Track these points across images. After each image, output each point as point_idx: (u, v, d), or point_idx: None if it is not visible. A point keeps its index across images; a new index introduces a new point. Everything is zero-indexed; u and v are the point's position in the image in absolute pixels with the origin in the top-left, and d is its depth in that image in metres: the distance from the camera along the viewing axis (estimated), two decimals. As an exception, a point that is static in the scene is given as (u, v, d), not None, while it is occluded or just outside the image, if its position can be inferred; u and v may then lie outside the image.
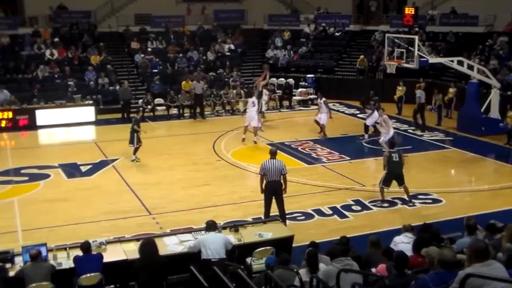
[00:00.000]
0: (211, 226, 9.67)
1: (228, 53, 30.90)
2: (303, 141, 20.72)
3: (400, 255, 7.24)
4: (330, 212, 13.98)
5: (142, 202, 14.64)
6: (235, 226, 10.64)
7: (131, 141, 18.05)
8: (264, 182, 12.48)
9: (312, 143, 20.53)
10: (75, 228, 12.93)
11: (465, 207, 14.00)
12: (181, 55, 29.42)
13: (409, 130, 22.45)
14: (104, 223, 13.24)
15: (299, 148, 19.82)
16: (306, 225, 13.19)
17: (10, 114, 23.18)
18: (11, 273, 8.78)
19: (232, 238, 10.03)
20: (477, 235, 8.59)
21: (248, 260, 9.69)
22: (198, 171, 17.31)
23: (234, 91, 26.51)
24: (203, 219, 12.92)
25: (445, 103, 23.96)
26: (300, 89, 27.72)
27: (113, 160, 18.29)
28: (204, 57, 29.86)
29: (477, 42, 27.56)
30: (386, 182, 14.45)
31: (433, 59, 22.44)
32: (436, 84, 25.69)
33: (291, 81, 28.42)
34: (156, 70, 28.17)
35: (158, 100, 25.54)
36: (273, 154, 12.70)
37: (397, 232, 9.68)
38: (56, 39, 28.14)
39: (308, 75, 28.95)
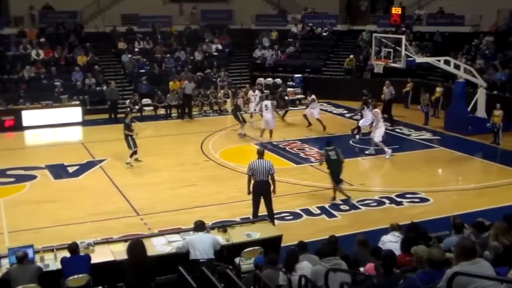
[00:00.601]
0: (199, 226, 9.63)
1: (216, 53, 30.87)
2: (291, 141, 20.73)
3: (388, 254, 7.25)
4: (318, 211, 14.00)
5: (130, 203, 14.58)
6: (223, 226, 10.63)
7: (129, 146, 17.67)
8: (252, 182, 12.48)
9: (300, 142, 20.55)
10: (62, 229, 12.86)
11: (452, 206, 14.07)
12: (168, 55, 29.34)
13: (396, 130, 22.53)
14: (92, 224, 13.17)
15: (287, 148, 19.83)
16: (294, 225, 13.20)
17: (-4, 115, 22.99)
18: (-3, 276, 8.71)
19: (221, 238, 10.01)
20: (465, 234, 8.63)
21: (237, 260, 9.69)
22: (186, 172, 17.27)
23: (222, 91, 26.49)
24: (191, 220, 12.89)
25: (432, 103, 24.11)
26: (287, 89, 27.72)
27: (101, 161, 18.20)
28: (191, 57, 29.81)
29: (463, 42, 27.72)
30: (336, 180, 14.51)
31: (420, 59, 22.54)
32: (423, 83, 25.82)
33: (278, 81, 28.45)
34: (143, 71, 28.08)
35: (146, 101, 25.46)
36: (260, 154, 12.71)
37: (385, 231, 9.71)
38: (42, 40, 27.96)
39: (296, 75, 28.99)
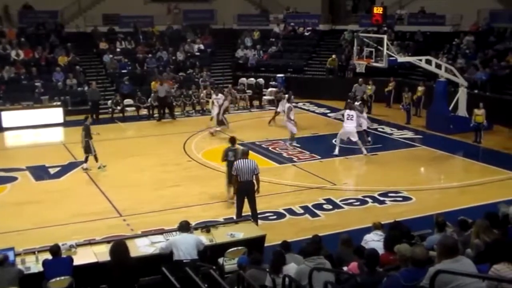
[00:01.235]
0: (184, 226, 9.57)
1: (198, 53, 30.81)
2: (274, 141, 20.74)
3: (371, 252, 7.27)
4: (302, 211, 14.01)
5: (113, 204, 14.48)
6: (206, 227, 10.59)
7: (88, 150, 17.20)
8: (237, 182, 12.46)
9: (282, 142, 20.56)
10: (44, 231, 12.73)
11: (435, 204, 14.15)
12: (150, 55, 29.24)
13: (379, 129, 22.65)
14: (74, 226, 13.04)
15: (270, 148, 19.84)
16: (277, 224, 13.20)
17: (-25, 116, 22.72)
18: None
19: (204, 239, 9.97)
20: (447, 232, 8.69)
21: (220, 260, 9.66)
22: (169, 172, 17.21)
23: (204, 91, 26.41)
24: (175, 220, 12.84)
25: (414, 102, 24.28)
26: (270, 89, 27.73)
27: (82, 162, 18.03)
28: (173, 58, 29.72)
29: (444, 41, 27.96)
30: (229, 181, 14.11)
31: (401, 58, 22.71)
32: (405, 83, 25.98)
33: (261, 80, 28.45)
34: (125, 71, 27.93)
35: (128, 101, 25.31)
36: (245, 154, 12.72)
37: (368, 230, 9.74)
38: (22, 39, 27.68)
39: (278, 75, 28.99)
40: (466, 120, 21.40)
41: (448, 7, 28.81)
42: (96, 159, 17.37)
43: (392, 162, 18.60)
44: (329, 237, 11.23)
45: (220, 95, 22.90)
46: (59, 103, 24.29)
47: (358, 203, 14.62)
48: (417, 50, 27.08)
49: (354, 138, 18.69)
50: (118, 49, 29.23)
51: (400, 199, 14.91)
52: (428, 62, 22.14)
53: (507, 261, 5.37)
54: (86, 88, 25.76)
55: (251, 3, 35.82)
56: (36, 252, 9.45)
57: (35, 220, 13.36)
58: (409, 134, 21.90)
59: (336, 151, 18.81)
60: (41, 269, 8.83)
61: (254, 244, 10.05)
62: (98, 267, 9.05)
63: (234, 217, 12.40)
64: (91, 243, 10.20)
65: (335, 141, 19.02)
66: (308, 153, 19.13)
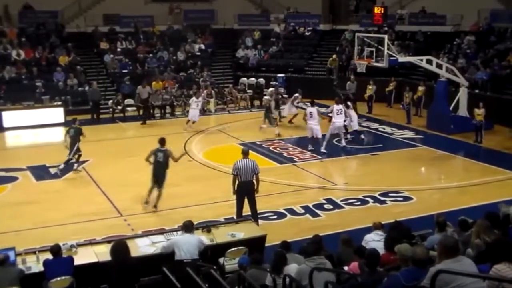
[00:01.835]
0: (188, 227, 9.53)
1: (198, 53, 30.79)
2: (275, 141, 20.74)
3: (372, 252, 7.28)
4: (302, 211, 14.01)
5: (113, 204, 14.49)
6: (207, 227, 10.60)
7: (72, 151, 16.95)
8: (237, 182, 12.46)
9: (283, 142, 20.56)
10: (45, 231, 12.74)
11: (435, 204, 14.15)
12: (151, 55, 29.23)
13: (379, 129, 22.64)
14: (75, 226, 13.05)
15: (270, 148, 19.84)
16: (278, 224, 13.20)
17: (-24, 116, 22.72)
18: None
19: (205, 239, 9.97)
20: (448, 232, 8.68)
21: (221, 260, 9.66)
22: (169, 172, 17.11)
23: (205, 91, 26.39)
24: (175, 220, 12.93)
25: (414, 102, 24.28)
26: (270, 89, 27.67)
27: (83, 162, 18.02)
28: (174, 57, 29.71)
29: (445, 41, 27.95)
30: (152, 182, 14.05)
31: (402, 58, 22.71)
32: (405, 83, 25.98)
33: (261, 80, 28.44)
34: (125, 71, 27.91)
35: (128, 101, 25.29)
36: (245, 154, 12.70)
37: (369, 230, 9.73)
38: (23, 39, 27.68)
39: (279, 75, 29.01)
40: (467, 120, 21.41)
41: (449, 7, 28.81)
42: (78, 160, 17.17)
43: (392, 162, 18.59)
44: (330, 237, 11.23)
45: (200, 98, 22.92)
46: (59, 103, 24.29)
47: (358, 203, 14.61)
48: (418, 50, 27.09)
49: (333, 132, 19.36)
50: (118, 49, 29.22)
51: (401, 199, 14.90)
52: (429, 62, 22.13)
53: (507, 261, 5.37)
54: (87, 88, 25.75)
55: (251, 3, 35.80)
56: (36, 252, 9.46)
57: (36, 220, 13.36)
58: (410, 134, 21.89)
59: (323, 148, 19.09)
60: (42, 269, 8.84)
61: (255, 244, 10.05)
62: (98, 267, 9.05)
63: (235, 217, 12.39)
64: (91, 243, 10.21)
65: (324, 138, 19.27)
66: (308, 153, 19.11)
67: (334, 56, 29.24)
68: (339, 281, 7.38)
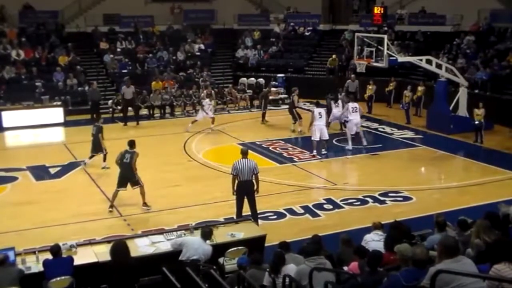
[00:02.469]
0: (207, 234, 9.49)
1: (198, 53, 30.79)
2: (274, 141, 20.74)
3: (374, 253, 7.29)
4: (302, 211, 14.01)
5: (113, 204, 14.45)
6: (207, 227, 10.58)
7: (100, 149, 17.28)
8: (237, 182, 12.46)
9: (283, 142, 20.57)
10: (44, 231, 12.74)
11: (435, 204, 14.14)
12: (150, 55, 29.23)
13: (379, 129, 22.64)
14: (74, 226, 13.05)
15: (270, 148, 19.83)
16: (278, 224, 13.19)
17: (-24, 116, 22.71)
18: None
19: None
20: (447, 232, 8.68)
21: (221, 260, 9.66)
22: (169, 172, 17.20)
23: (205, 91, 26.38)
24: (175, 220, 12.97)
25: (414, 102, 24.28)
26: (272, 89, 27.70)
27: (82, 162, 18.04)
28: (174, 57, 29.71)
29: (445, 41, 27.94)
30: (118, 184, 14.03)
31: (402, 58, 22.69)
32: (405, 83, 25.98)
33: (261, 80, 28.43)
34: (125, 71, 27.89)
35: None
36: (244, 154, 12.70)
37: (369, 230, 9.73)
38: (23, 39, 27.68)
39: (279, 75, 29.04)
40: (467, 120, 21.41)
41: (449, 7, 28.80)
42: (104, 158, 17.36)
43: (392, 162, 18.60)
44: (330, 237, 11.24)
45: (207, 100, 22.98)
46: (59, 103, 24.30)
47: (358, 203, 14.61)
48: (418, 50, 27.09)
49: (352, 131, 19.46)
50: (118, 49, 29.21)
51: (401, 199, 14.90)
52: (429, 62, 22.13)
53: (507, 261, 5.37)
54: (86, 88, 25.76)
55: (251, 3, 35.79)
56: (36, 252, 9.47)
57: (36, 220, 13.36)
58: (410, 134, 21.88)
59: (350, 146, 19.40)
60: (42, 269, 8.84)
61: (255, 244, 10.05)
62: (98, 267, 9.05)
63: (234, 217, 12.39)
64: (91, 243, 10.23)
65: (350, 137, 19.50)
66: (308, 153, 19.10)
67: (334, 56, 29.25)
68: (338, 281, 7.38)
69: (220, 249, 9.74)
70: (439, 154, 19.29)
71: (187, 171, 17.35)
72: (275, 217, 13.63)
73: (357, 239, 9.36)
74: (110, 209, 14.00)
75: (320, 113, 18.77)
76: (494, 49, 25.77)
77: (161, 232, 10.74)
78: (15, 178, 16.69)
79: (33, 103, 23.71)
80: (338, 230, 12.20)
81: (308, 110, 22.04)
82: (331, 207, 14.32)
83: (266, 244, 10.47)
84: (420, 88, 24.45)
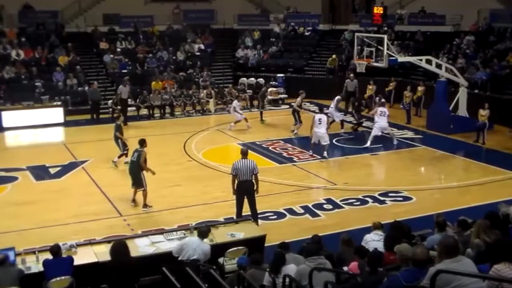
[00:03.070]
0: (204, 233, 9.47)
1: (198, 53, 30.78)
2: (274, 141, 20.74)
3: (375, 253, 7.30)
4: (302, 211, 14.01)
5: (113, 204, 14.48)
6: (207, 227, 10.58)
7: (119, 148, 17.49)
8: (236, 182, 12.46)
9: (283, 142, 20.57)
10: (44, 231, 12.73)
11: (435, 204, 14.14)
12: (150, 55, 29.23)
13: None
14: (74, 226, 13.05)
15: (270, 148, 19.83)
16: (278, 224, 13.20)
17: (-25, 116, 22.70)
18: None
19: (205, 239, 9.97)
20: (448, 232, 8.68)
21: (221, 260, 9.66)
22: (169, 172, 17.19)
23: (205, 91, 26.42)
24: (175, 220, 12.97)
25: (414, 102, 24.28)
26: (270, 89, 27.71)
27: (83, 162, 18.06)
28: (174, 57, 29.71)
29: (444, 41, 27.93)
30: (132, 182, 14.27)
31: (402, 58, 22.70)
32: (405, 83, 25.98)
33: (261, 80, 28.42)
34: (125, 71, 27.87)
35: (128, 101, 25.26)
36: (244, 154, 12.70)
37: (369, 230, 9.73)
38: (23, 39, 27.67)
39: (278, 75, 29.04)
40: (467, 120, 21.41)
41: (449, 7, 28.80)
42: (120, 155, 17.51)
43: (392, 162, 18.61)
44: (330, 237, 11.24)
45: (235, 101, 23.13)
46: (59, 103, 24.29)
47: (358, 203, 14.61)
48: (418, 50, 27.09)
49: (377, 132, 19.82)
50: (118, 49, 29.20)
51: (401, 199, 14.90)
52: (429, 62, 22.13)
53: (507, 261, 5.36)
54: (86, 88, 25.77)
55: (251, 3, 35.77)
56: (36, 252, 9.46)
57: (35, 220, 13.35)
58: (410, 134, 21.88)
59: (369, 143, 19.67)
60: (42, 269, 8.84)
61: (254, 244, 10.05)
62: (98, 267, 9.05)
63: (234, 217, 12.39)
64: (91, 243, 10.22)
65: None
66: (308, 153, 19.10)
67: (334, 56, 29.26)
68: (339, 281, 7.38)
69: (220, 249, 9.74)
70: (439, 154, 19.29)
71: (187, 171, 17.36)
72: (275, 217, 13.63)
73: (357, 239, 9.36)
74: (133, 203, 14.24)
75: (320, 119, 18.43)
76: (494, 49, 25.76)
77: (161, 232, 10.73)
78: (15, 178, 16.68)
79: (33, 103, 23.71)
80: (338, 230, 12.19)
81: (313, 111, 21.78)
82: (331, 207, 14.32)
83: (266, 244, 10.47)
84: (420, 88, 24.45)
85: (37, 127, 22.91)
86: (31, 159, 18.44)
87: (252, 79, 28.75)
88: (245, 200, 12.56)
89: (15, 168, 17.50)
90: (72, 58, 27.43)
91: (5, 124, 22.88)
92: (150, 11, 32.19)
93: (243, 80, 28.84)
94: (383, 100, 21.44)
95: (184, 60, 29.78)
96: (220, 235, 10.29)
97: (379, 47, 21.25)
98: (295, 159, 18.56)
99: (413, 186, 15.75)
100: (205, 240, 9.51)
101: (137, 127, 23.57)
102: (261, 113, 24.02)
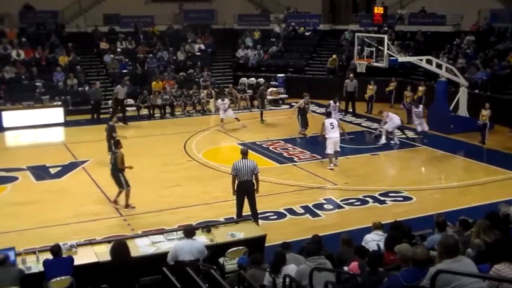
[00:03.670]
0: (190, 232, 9.37)
1: (198, 53, 30.78)
2: (275, 141, 20.74)
3: (375, 253, 7.29)
4: (302, 211, 14.01)
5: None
6: (207, 227, 10.60)
7: (110, 149, 17.15)
8: (236, 182, 12.46)
9: (283, 142, 20.56)
10: (44, 231, 12.74)
11: (435, 204, 14.14)
12: (151, 55, 29.23)
13: (379, 129, 22.57)
14: (75, 226, 13.06)
15: (270, 148, 19.83)
16: (278, 224, 13.20)
17: (-24, 116, 22.70)
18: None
19: (205, 239, 9.98)
20: (448, 232, 8.68)
21: (221, 260, 9.66)
22: (169, 172, 17.20)
23: (205, 91, 26.42)
24: (175, 220, 12.97)
25: (415, 101, 24.23)
26: (270, 89, 27.71)
27: (83, 162, 18.06)
28: (174, 57, 29.71)
29: (445, 41, 27.94)
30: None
31: (402, 58, 22.70)
32: (406, 83, 25.98)
33: (261, 80, 28.42)
34: (125, 71, 27.88)
35: (128, 101, 25.27)
36: (244, 154, 12.69)
37: (369, 230, 9.73)
38: (23, 39, 27.67)
39: (279, 75, 29.04)
40: (467, 120, 21.40)
41: (449, 7, 28.80)
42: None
43: (392, 162, 18.59)
44: (330, 237, 11.24)
45: (226, 99, 22.97)
46: (59, 103, 24.31)
47: (358, 203, 14.61)
48: (418, 50, 27.09)
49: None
50: (118, 49, 29.20)
51: (401, 199, 14.90)
52: (429, 62, 22.13)
53: (507, 261, 5.36)
54: (86, 88, 25.78)
55: (251, 3, 35.77)
56: (36, 252, 9.47)
57: (36, 220, 13.36)
58: (410, 134, 21.86)
59: (383, 140, 19.91)
60: (42, 269, 8.84)
61: (255, 244, 10.05)
62: (98, 267, 9.05)
63: (235, 217, 12.39)
64: (91, 243, 10.22)
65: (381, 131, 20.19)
66: (308, 153, 19.11)
67: (334, 56, 29.26)
68: (339, 281, 7.38)
69: (220, 249, 9.74)
70: (439, 154, 19.29)
71: (187, 171, 17.36)
72: (275, 217, 13.63)
73: (357, 239, 9.36)
74: (126, 208, 14.13)
75: (332, 123, 17.34)
76: (494, 49, 25.77)
77: (161, 232, 10.73)
78: (15, 178, 16.69)
79: (33, 103, 23.72)
80: (338, 230, 12.19)
81: (322, 114, 21.50)
82: (331, 207, 14.33)
83: (266, 244, 10.47)
84: (420, 88, 24.45)
85: (38, 127, 22.92)
86: (32, 159, 18.45)
87: (253, 79, 28.76)
88: (245, 200, 12.56)
89: (15, 168, 17.51)
90: (72, 58, 27.43)
91: (5, 124, 22.88)
92: (150, 11, 32.20)
93: (244, 80, 28.84)
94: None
95: (184, 60, 29.78)
96: (221, 235, 10.29)
97: (379, 47, 21.26)
98: (296, 159, 18.56)
99: (413, 186, 15.75)
100: (196, 238, 9.49)
101: (138, 127, 23.61)
102: (261, 113, 23.97)
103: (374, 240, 9.04)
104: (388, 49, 21.08)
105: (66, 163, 18.09)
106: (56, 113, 23.79)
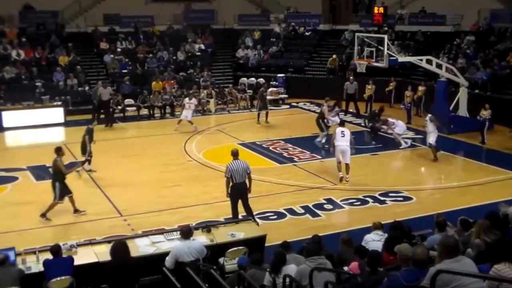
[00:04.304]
0: (187, 233, 9.28)
1: (199, 53, 30.78)
2: (274, 141, 20.73)
3: (374, 253, 7.29)
4: (302, 211, 14.01)
5: (113, 204, 14.48)
6: (207, 227, 10.60)
7: (84, 152, 16.97)
8: (231, 184, 12.43)
9: (283, 142, 20.56)
10: (44, 231, 12.76)
11: (435, 204, 14.15)
12: (151, 55, 29.23)
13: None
14: (74, 226, 13.06)
15: (270, 148, 19.83)
16: (278, 224, 13.19)
17: (-24, 116, 22.68)
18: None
19: (204, 239, 9.98)
20: (448, 232, 8.69)
21: (221, 260, 9.65)
22: (169, 172, 17.20)
23: (205, 91, 26.41)
24: (175, 220, 12.96)
25: (415, 102, 24.28)
26: (270, 89, 27.70)
27: (83, 162, 18.01)
28: (174, 57, 29.71)
29: (445, 41, 27.93)
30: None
31: (402, 58, 22.70)
32: (406, 83, 25.98)
33: (261, 80, 28.40)
34: (125, 71, 27.89)
35: (128, 101, 25.28)
36: (235, 155, 12.64)
37: (369, 230, 9.73)
38: (23, 39, 27.67)
39: (279, 75, 29.03)
40: (467, 120, 21.39)
41: (449, 7, 28.81)
42: (89, 161, 17.10)
43: (392, 162, 18.59)
44: (330, 237, 11.24)
45: (193, 99, 22.89)
46: (59, 103, 24.29)
47: (358, 203, 14.61)
48: (418, 50, 27.09)
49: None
50: (118, 49, 29.20)
51: (401, 199, 14.90)
52: (429, 62, 22.13)
53: (507, 261, 5.37)
54: (87, 88, 25.79)
55: (251, 3, 35.79)
56: (36, 252, 9.47)
57: (36, 220, 13.35)
58: (410, 134, 21.85)
59: (404, 144, 19.98)
60: (42, 269, 8.84)
61: (255, 244, 10.05)
62: (98, 267, 9.05)
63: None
64: (91, 243, 10.22)
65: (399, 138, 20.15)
66: (308, 153, 19.11)
67: (334, 56, 29.26)
68: (339, 281, 7.38)
69: (220, 249, 9.75)
70: (439, 154, 19.26)
71: (187, 171, 17.35)
72: (275, 217, 13.63)
73: (357, 239, 9.36)
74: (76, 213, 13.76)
75: (343, 131, 16.37)
76: (494, 49, 25.77)
77: (161, 232, 10.73)
78: (15, 178, 16.69)
79: (33, 103, 23.71)
80: (338, 230, 12.20)
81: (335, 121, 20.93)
82: (331, 207, 14.33)
83: (266, 244, 10.47)
84: (420, 88, 24.44)
85: (38, 127, 22.90)
86: (32, 159, 18.43)
87: (253, 79, 28.75)
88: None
89: (15, 168, 17.50)
90: (72, 58, 27.43)
91: (5, 124, 22.87)
92: (150, 11, 32.21)
93: (244, 80, 28.84)
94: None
95: (184, 60, 29.78)
96: (221, 235, 10.29)
97: (379, 47, 21.27)
98: (296, 159, 18.55)
99: (413, 186, 15.76)
100: (195, 238, 9.48)
101: (138, 127, 23.62)
102: (258, 114, 23.76)
103: (374, 240, 9.04)
104: (388, 49, 21.09)
105: (66, 163, 17.95)
106: (56, 113, 23.78)
